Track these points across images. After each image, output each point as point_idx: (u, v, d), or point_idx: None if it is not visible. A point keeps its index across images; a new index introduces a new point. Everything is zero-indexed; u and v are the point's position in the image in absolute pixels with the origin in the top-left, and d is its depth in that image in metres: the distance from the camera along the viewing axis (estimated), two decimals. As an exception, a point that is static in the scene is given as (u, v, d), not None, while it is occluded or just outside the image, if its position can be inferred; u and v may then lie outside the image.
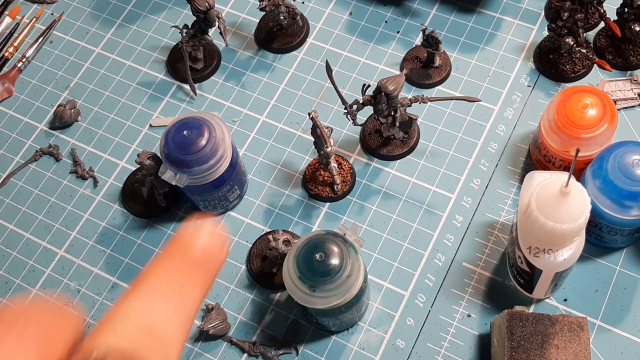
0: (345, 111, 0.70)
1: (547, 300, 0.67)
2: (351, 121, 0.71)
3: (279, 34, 0.84)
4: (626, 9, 0.74)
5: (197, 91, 0.82)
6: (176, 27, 0.80)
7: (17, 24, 0.90)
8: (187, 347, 0.69)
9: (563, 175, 0.57)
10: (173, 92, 0.83)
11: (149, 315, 0.32)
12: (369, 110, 0.73)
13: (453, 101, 0.77)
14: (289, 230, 0.73)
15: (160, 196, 0.74)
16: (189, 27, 0.79)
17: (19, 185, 0.79)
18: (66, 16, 0.90)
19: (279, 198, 0.75)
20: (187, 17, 0.88)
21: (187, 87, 0.83)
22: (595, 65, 0.77)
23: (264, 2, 0.79)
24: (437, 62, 0.79)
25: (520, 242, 0.60)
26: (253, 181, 0.76)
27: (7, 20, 0.90)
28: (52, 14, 0.91)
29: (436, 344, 0.66)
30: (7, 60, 0.87)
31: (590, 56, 0.74)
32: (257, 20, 0.86)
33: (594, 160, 0.63)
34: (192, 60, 0.82)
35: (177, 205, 0.76)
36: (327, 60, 0.69)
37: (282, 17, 0.81)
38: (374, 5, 0.85)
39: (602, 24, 0.79)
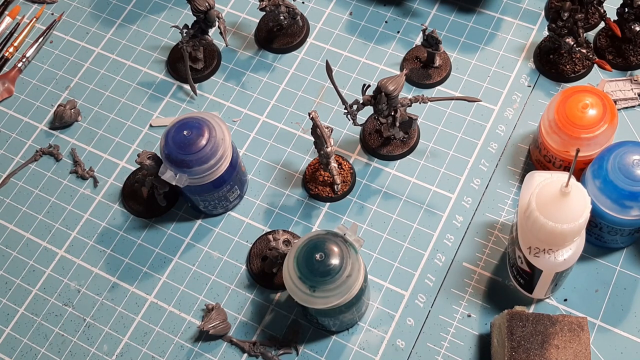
0: (345, 111, 0.70)
1: (547, 300, 0.67)
2: (351, 121, 0.71)
3: (279, 34, 0.84)
4: (626, 9, 0.74)
5: (197, 91, 0.82)
6: (176, 27, 0.80)
7: (17, 24, 0.90)
8: (187, 347, 0.69)
9: (563, 175, 0.57)
10: (173, 92, 0.83)
11: None
12: (369, 110, 0.73)
13: (453, 101, 0.77)
14: (289, 230, 0.73)
15: (160, 196, 0.74)
16: (189, 27, 0.79)
17: (19, 185, 0.79)
18: (66, 16, 0.90)
19: (279, 198, 0.75)
20: (187, 17, 0.88)
21: (187, 87, 0.83)
22: (595, 65, 0.77)
23: (264, 2, 0.79)
24: (437, 62, 0.79)
25: (521, 242, 0.60)
26: (253, 181, 0.76)
27: (7, 20, 0.90)
28: (52, 14, 0.91)
29: (436, 344, 0.66)
30: (7, 60, 0.87)
31: (590, 56, 0.74)
32: (257, 20, 0.86)
33: (594, 160, 0.63)
34: (192, 60, 0.82)
35: (177, 205, 0.76)
36: (327, 60, 0.69)
37: (282, 17, 0.81)
38: (374, 5, 0.85)
39: (602, 24, 0.79)
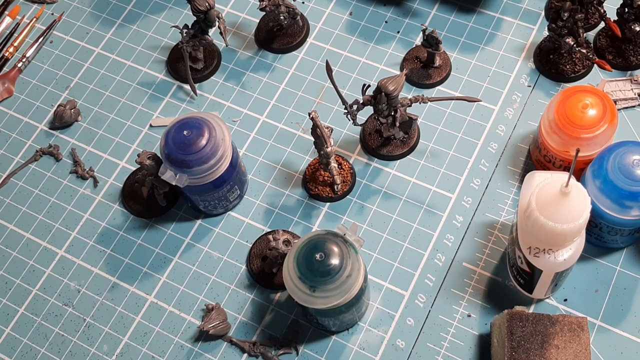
0: (345, 111, 0.70)
1: (547, 300, 0.67)
2: (351, 121, 0.71)
3: (279, 34, 0.84)
4: (626, 9, 0.74)
5: (197, 91, 0.82)
6: (176, 27, 0.80)
7: (17, 24, 0.90)
8: (187, 347, 0.69)
9: (563, 175, 0.57)
10: (173, 92, 0.83)
11: None
12: (369, 110, 0.73)
13: (453, 101, 0.77)
14: (289, 230, 0.73)
15: (160, 196, 0.74)
16: (189, 27, 0.79)
17: (19, 185, 0.79)
18: (66, 16, 0.90)
19: (279, 198, 0.75)
20: (187, 17, 0.88)
21: (187, 87, 0.83)
22: (595, 65, 0.77)
23: (264, 2, 0.79)
24: (437, 62, 0.79)
25: (521, 242, 0.60)
26: (253, 181, 0.76)
27: (7, 20, 0.90)
28: (52, 14, 0.91)
29: (436, 344, 0.66)
30: (7, 60, 0.87)
31: (590, 56, 0.74)
32: (257, 20, 0.86)
33: (594, 160, 0.63)
34: (192, 60, 0.82)
35: (177, 205, 0.76)
36: (327, 60, 0.69)
37: (282, 17, 0.81)
38: (374, 5, 0.85)
39: (602, 24, 0.79)
